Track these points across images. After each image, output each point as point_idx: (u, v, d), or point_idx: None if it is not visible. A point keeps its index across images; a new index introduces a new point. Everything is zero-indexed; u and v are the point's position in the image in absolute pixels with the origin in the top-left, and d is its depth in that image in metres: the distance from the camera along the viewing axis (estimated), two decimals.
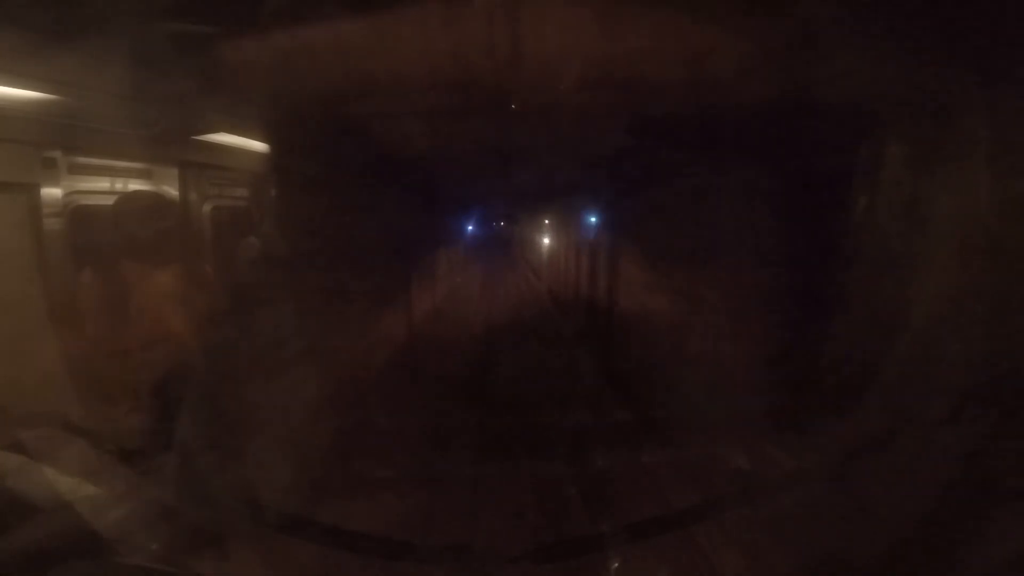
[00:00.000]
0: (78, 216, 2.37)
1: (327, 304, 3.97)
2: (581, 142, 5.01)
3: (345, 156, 4.14)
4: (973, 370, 1.54)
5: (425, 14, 2.28)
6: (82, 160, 2.39)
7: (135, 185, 2.67)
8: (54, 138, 2.22)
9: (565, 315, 9.60)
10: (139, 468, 1.35)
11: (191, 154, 2.99)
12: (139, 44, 1.99)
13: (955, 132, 1.85)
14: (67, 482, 1.43)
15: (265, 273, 3.31)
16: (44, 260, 2.23)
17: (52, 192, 2.25)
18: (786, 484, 1.90)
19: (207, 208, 3.14)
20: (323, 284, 3.83)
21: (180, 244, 2.72)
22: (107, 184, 2.54)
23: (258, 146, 3.33)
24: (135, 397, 2.22)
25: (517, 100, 3.49)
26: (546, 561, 1.19)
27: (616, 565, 1.88)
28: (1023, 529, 1.19)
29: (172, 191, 2.87)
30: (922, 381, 1.74)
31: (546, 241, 12.58)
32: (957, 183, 1.83)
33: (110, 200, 2.49)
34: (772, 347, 3.20)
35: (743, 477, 2.89)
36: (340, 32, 2.32)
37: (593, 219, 8.50)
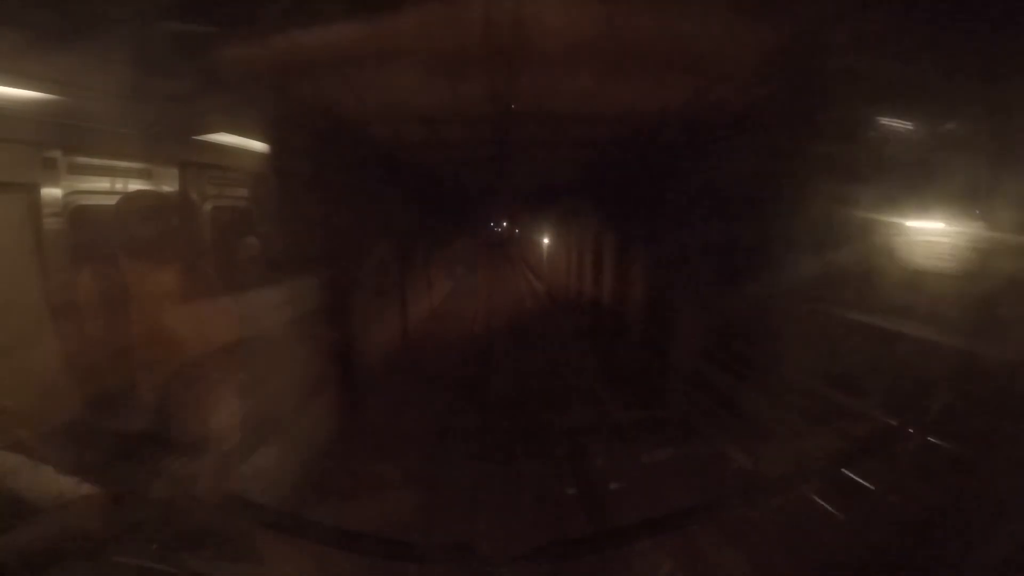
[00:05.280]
0: (78, 216, 2.36)
1: (326, 304, 3.97)
2: (581, 143, 5.02)
3: (344, 157, 4.14)
4: (973, 371, 1.54)
5: (424, 16, 2.28)
6: (82, 160, 2.39)
7: (135, 185, 2.66)
8: (54, 138, 2.22)
9: (565, 315, 9.60)
10: (139, 468, 1.34)
11: (191, 154, 2.99)
12: (139, 44, 1.99)
13: (956, 131, 1.85)
14: (67, 482, 1.43)
15: (264, 272, 3.31)
16: (44, 260, 2.23)
17: (52, 192, 2.25)
18: (786, 484, 1.90)
19: (207, 208, 3.14)
20: (322, 284, 3.83)
21: (180, 244, 2.72)
22: (107, 184, 2.53)
23: (258, 146, 3.33)
24: (135, 396, 2.22)
25: (517, 102, 3.49)
26: (546, 561, 1.18)
27: (616, 565, 1.88)
28: (1023, 529, 1.19)
29: (172, 191, 2.87)
30: (922, 381, 1.74)
31: (546, 241, 12.57)
32: (958, 182, 1.83)
33: (110, 200, 2.48)
34: (771, 347, 3.20)
35: (743, 477, 2.89)
36: (340, 34, 2.32)
37: (592, 220, 8.51)
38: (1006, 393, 1.42)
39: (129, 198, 2.56)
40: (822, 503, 1.95)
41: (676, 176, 4.64)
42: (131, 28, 1.90)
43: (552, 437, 3.75)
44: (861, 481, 1.87)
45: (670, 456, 3.18)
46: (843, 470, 1.91)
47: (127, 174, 2.64)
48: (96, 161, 2.48)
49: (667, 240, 5.05)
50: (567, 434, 3.72)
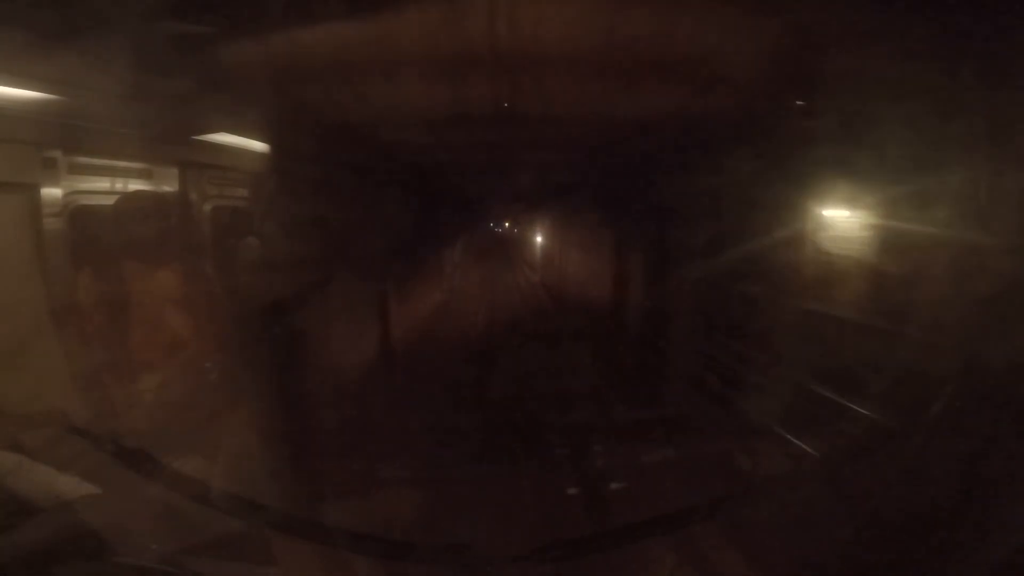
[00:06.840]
0: (78, 216, 2.36)
1: (326, 304, 3.97)
2: (580, 142, 5.01)
3: (345, 156, 4.13)
4: (973, 370, 1.54)
5: (424, 15, 2.28)
6: (82, 160, 2.39)
7: (135, 185, 2.66)
8: (54, 138, 2.22)
9: (565, 315, 9.59)
10: (139, 468, 1.34)
11: (191, 154, 2.99)
12: (139, 44, 1.99)
13: (956, 131, 1.85)
14: (67, 482, 1.43)
15: (265, 273, 3.31)
16: (44, 260, 2.23)
17: (52, 192, 2.25)
18: (786, 484, 1.91)
19: (207, 208, 3.14)
20: (323, 284, 3.83)
21: (180, 244, 2.72)
22: (107, 184, 2.53)
23: (258, 146, 3.33)
24: (135, 396, 2.22)
25: (518, 103, 3.49)
26: (546, 561, 1.18)
27: (616, 565, 1.88)
28: (1023, 529, 1.19)
29: (172, 191, 2.87)
30: (922, 381, 1.74)
31: (546, 241, 12.57)
32: (957, 182, 1.83)
33: (110, 200, 2.49)
34: (771, 345, 3.20)
35: (743, 477, 2.89)
36: (340, 33, 2.32)
37: (593, 220, 8.50)
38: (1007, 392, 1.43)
39: (129, 198, 2.56)
40: (822, 503, 1.95)
41: (676, 177, 4.64)
42: (131, 28, 1.90)
43: (552, 437, 3.75)
44: (860, 481, 1.87)
45: (670, 456, 3.18)
46: (843, 470, 1.91)
47: (127, 174, 2.64)
48: (96, 161, 2.48)
49: (667, 240, 5.06)
50: (567, 434, 3.72)
